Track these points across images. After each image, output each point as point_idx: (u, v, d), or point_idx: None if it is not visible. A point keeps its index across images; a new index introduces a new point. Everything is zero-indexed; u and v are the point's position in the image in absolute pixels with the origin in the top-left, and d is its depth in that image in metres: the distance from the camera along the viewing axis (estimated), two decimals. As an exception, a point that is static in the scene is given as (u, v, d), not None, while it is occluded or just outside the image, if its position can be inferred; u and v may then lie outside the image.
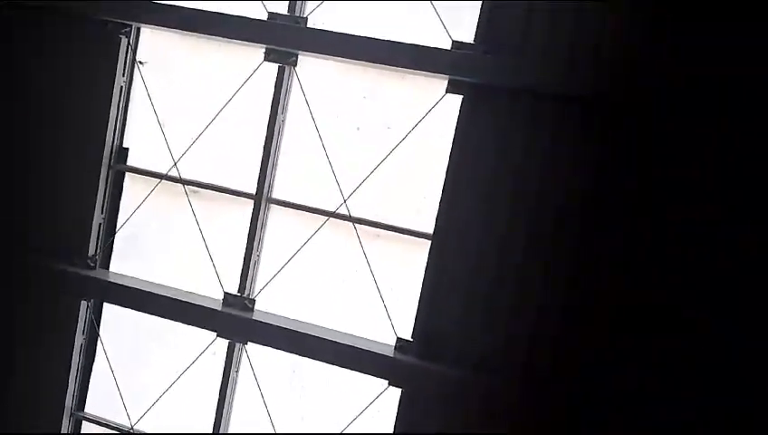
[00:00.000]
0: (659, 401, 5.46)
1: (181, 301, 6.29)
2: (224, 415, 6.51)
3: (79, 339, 6.71)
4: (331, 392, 6.49)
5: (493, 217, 5.67)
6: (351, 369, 6.00)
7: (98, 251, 6.64)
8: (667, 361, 5.43)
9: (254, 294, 6.37)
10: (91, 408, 7.00)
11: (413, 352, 5.91)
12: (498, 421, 5.73)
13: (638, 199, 5.42)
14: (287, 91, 6.22)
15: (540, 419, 5.68)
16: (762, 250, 5.22)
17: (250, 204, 6.32)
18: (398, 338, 6.00)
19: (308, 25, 6.00)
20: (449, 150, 5.76)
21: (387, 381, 5.94)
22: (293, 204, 6.30)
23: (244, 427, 6.63)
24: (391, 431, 6.04)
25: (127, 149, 6.68)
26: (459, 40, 5.65)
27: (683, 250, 5.35)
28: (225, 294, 6.34)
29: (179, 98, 6.56)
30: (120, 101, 6.51)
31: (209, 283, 6.44)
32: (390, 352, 5.96)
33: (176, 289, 6.47)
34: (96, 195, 6.52)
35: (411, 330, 5.99)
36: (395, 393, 6.02)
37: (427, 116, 5.85)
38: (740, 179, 5.24)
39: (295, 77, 6.17)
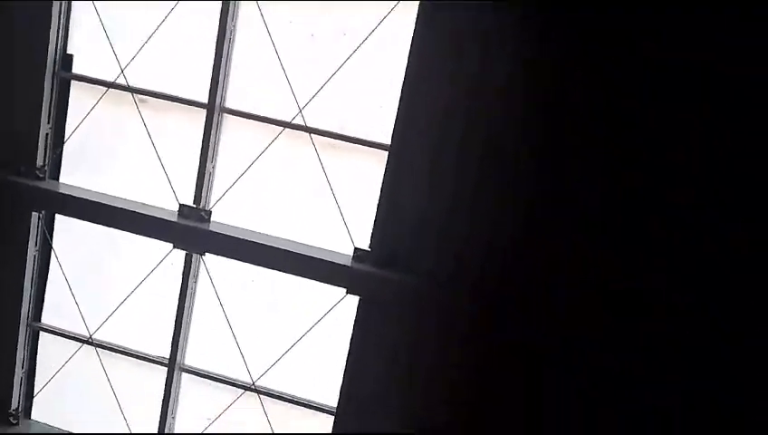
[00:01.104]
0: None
1: (135, 212, 6.20)
2: (183, 325, 6.57)
3: (32, 250, 6.60)
4: (290, 301, 6.57)
5: (450, 125, 5.63)
6: (310, 278, 6.07)
7: (46, 162, 6.45)
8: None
9: (210, 206, 6.32)
10: (47, 319, 6.99)
11: (370, 261, 5.99)
12: (452, 332, 5.91)
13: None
14: (238, -5, 5.97)
15: (495, 338, 5.87)
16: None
17: (203, 114, 6.16)
18: (355, 248, 6.05)
19: (258, -77, 5.70)
20: (406, 58, 5.64)
21: (345, 290, 6.04)
22: (247, 114, 6.15)
23: (204, 338, 6.72)
24: (349, 341, 6.19)
25: (71, 55, 6.39)
26: (416, -59, 5.44)
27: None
28: (181, 205, 6.26)
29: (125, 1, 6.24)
30: (61, 3, 6.17)
31: (163, 194, 6.35)
32: (348, 262, 6.02)
33: (129, 200, 6.36)
34: (41, 104, 6.27)
35: (369, 240, 6.04)
36: (353, 301, 6.12)
37: (384, 21, 5.69)
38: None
39: (246, -20, 5.90)
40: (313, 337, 6.43)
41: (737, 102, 5.20)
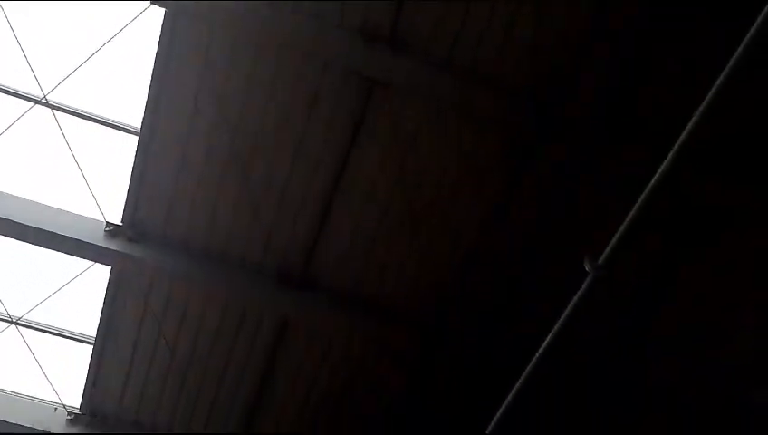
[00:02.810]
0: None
1: None
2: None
3: None
4: (88, 11, 5.92)
5: None
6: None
7: None
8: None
9: None
10: None
11: (180, -29, 5.40)
12: (266, 48, 5.68)
13: None
14: None
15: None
16: None
17: None
18: (163, -41, 5.41)
19: None
20: None
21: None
22: None
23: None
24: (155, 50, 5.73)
25: None
26: None
27: None
28: None
29: None
30: None
31: None
32: (155, -30, 5.39)
33: None
34: None
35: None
36: (159, 13, 5.60)
37: None
38: None
39: None
40: (117, 55, 5.92)
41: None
